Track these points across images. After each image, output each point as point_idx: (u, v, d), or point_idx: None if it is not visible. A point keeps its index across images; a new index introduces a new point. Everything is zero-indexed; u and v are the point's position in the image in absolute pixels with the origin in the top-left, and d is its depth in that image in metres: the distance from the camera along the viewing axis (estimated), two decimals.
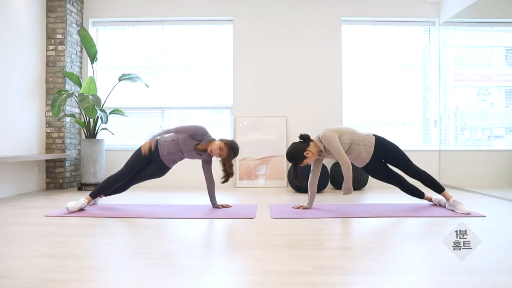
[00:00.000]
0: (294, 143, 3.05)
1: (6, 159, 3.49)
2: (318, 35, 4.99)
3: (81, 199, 3.02)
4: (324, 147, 2.96)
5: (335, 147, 2.89)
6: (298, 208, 3.13)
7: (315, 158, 3.03)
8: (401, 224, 2.61)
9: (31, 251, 1.93)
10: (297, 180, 3.05)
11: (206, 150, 3.03)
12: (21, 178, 4.14)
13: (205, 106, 5.22)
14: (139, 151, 3.11)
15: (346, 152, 2.96)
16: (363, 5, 5.00)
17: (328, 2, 5.00)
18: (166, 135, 3.10)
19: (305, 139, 3.02)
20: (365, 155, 3.01)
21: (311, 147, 2.98)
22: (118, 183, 3.12)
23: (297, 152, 2.98)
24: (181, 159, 3.14)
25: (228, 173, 2.99)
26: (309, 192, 3.12)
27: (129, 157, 3.15)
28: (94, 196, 3.08)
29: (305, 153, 2.95)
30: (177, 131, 3.04)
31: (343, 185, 2.92)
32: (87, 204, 3.04)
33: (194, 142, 3.02)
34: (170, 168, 3.19)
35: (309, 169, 3.17)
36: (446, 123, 5.02)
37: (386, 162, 3.11)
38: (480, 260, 1.72)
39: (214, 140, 3.02)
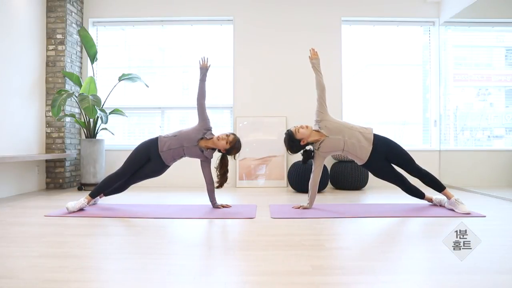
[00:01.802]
0: None
1: (6, 159, 3.49)
2: (318, 35, 4.99)
3: (81, 199, 3.02)
4: (320, 127, 3.01)
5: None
6: (298, 208, 3.13)
7: (308, 134, 3.00)
8: (401, 224, 2.61)
9: (31, 251, 1.93)
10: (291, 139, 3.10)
11: (208, 149, 3.06)
12: (21, 178, 4.14)
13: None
14: (137, 149, 3.12)
15: (345, 140, 2.98)
16: (363, 5, 5.00)
17: (328, 2, 5.00)
18: (169, 134, 3.11)
19: None
20: (366, 143, 2.99)
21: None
22: (117, 182, 3.12)
23: (287, 131, 3.12)
24: (181, 157, 3.13)
25: (223, 179, 3.09)
26: (309, 192, 3.12)
27: (128, 157, 3.15)
28: (93, 195, 3.08)
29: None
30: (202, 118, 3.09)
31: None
32: (87, 204, 3.04)
33: (198, 136, 3.04)
34: (169, 166, 3.18)
35: (302, 168, 3.19)
36: (446, 123, 5.02)
37: (389, 160, 3.10)
38: (480, 260, 1.72)
39: (212, 138, 3.07)
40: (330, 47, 5.00)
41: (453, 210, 2.92)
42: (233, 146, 3.04)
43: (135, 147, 3.18)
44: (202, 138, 3.06)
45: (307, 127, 3.03)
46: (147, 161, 3.11)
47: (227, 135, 3.04)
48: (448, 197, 3.00)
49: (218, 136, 3.05)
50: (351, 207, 3.30)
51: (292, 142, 3.06)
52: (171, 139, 3.06)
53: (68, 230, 2.40)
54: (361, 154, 3.02)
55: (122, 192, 3.30)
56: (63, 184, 4.53)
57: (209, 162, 3.15)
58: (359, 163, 3.12)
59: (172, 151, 3.05)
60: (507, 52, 5.01)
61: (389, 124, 5.31)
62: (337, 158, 4.65)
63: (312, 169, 3.12)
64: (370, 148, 3.00)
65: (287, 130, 3.12)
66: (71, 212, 2.89)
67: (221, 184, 3.09)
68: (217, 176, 3.09)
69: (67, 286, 1.45)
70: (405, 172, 3.13)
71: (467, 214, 2.80)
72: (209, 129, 3.12)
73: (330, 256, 1.83)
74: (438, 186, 3.05)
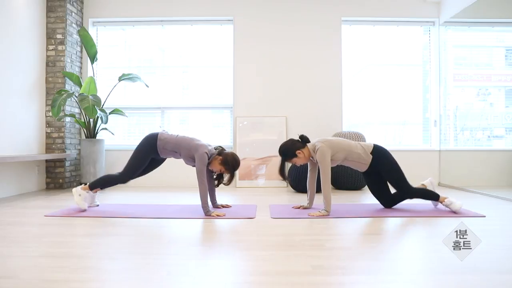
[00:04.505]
0: (291, 139, 3.07)
1: (6, 159, 3.49)
2: (318, 35, 4.99)
3: (82, 194, 3.00)
4: (317, 148, 2.97)
5: (323, 165, 2.88)
6: (298, 208, 3.13)
7: (303, 162, 3.03)
8: (401, 224, 2.61)
9: (31, 251, 1.92)
10: (281, 175, 3.01)
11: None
12: (21, 178, 4.14)
13: (205, 106, 5.22)
14: (139, 152, 3.05)
15: (339, 163, 3.03)
16: (363, 5, 5.00)
17: (328, 2, 5.00)
18: (168, 143, 3.00)
19: (303, 141, 3.03)
20: (359, 168, 3.07)
21: (305, 149, 2.98)
22: (118, 183, 3.12)
23: (290, 148, 2.98)
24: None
25: (220, 181, 3.07)
26: (308, 192, 3.13)
27: (130, 157, 3.08)
28: (92, 187, 3.07)
29: (297, 151, 2.96)
30: (200, 173, 2.88)
31: (325, 208, 2.85)
32: (88, 192, 3.05)
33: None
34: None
35: (302, 168, 3.18)
36: (446, 123, 5.02)
37: (380, 174, 3.08)
38: (480, 260, 1.72)
39: (215, 157, 2.95)
40: (330, 47, 5.00)
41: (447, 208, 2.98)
42: (230, 176, 2.96)
43: (135, 147, 3.10)
44: None
45: (301, 165, 3.07)
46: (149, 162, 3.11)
47: (220, 170, 2.95)
48: (441, 201, 2.99)
49: (212, 167, 2.97)
50: (351, 207, 3.30)
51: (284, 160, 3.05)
52: (172, 153, 3.02)
53: (68, 230, 2.41)
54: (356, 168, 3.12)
55: (122, 192, 3.30)
56: (63, 184, 4.53)
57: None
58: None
59: (172, 157, 3.10)
60: (507, 52, 5.00)
61: (389, 124, 5.31)
62: None
63: (308, 168, 3.14)
64: (363, 171, 3.07)
65: (289, 151, 2.97)
66: (83, 210, 2.93)
67: (218, 183, 3.09)
68: (215, 178, 3.10)
69: (67, 286, 1.45)
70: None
71: (459, 211, 2.85)
72: (209, 157, 2.94)
73: (330, 256, 1.83)
74: (432, 197, 3.03)
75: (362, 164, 3.01)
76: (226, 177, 3.00)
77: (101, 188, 3.18)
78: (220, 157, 2.93)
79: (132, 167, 3.05)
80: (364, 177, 3.22)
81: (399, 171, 3.02)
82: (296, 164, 3.06)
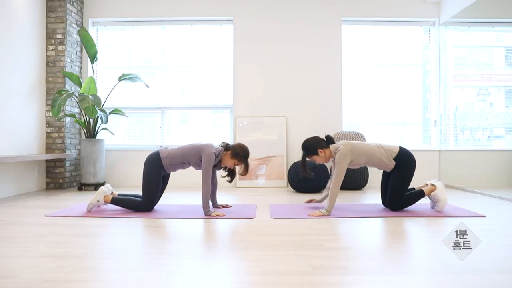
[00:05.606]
0: (317, 137, 3.08)
1: (6, 159, 3.49)
2: (318, 35, 4.99)
3: (100, 201, 2.97)
4: (339, 149, 2.98)
5: (339, 167, 2.89)
6: (310, 201, 3.25)
7: (323, 162, 3.06)
8: (401, 224, 2.61)
9: (31, 251, 1.92)
10: (304, 171, 3.04)
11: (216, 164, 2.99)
12: (21, 178, 4.14)
13: (205, 106, 5.22)
14: (150, 176, 2.96)
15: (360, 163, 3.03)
16: (363, 5, 5.00)
17: (328, 2, 5.00)
18: (174, 157, 2.94)
19: (328, 141, 3.04)
20: (382, 169, 3.08)
21: (327, 150, 3.00)
22: (140, 211, 2.99)
23: (313, 145, 3.00)
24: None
25: (233, 176, 3.02)
26: (324, 193, 3.25)
27: (143, 185, 2.99)
28: (113, 203, 3.00)
29: (319, 150, 2.98)
30: (205, 173, 2.84)
31: (326, 208, 2.84)
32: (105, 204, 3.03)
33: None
34: None
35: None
36: (446, 123, 5.02)
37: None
38: (480, 260, 1.72)
39: (224, 153, 2.94)
40: (330, 47, 5.00)
41: (434, 203, 3.04)
42: (245, 168, 2.92)
43: (143, 175, 2.99)
44: None
45: (319, 162, 3.08)
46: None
47: (234, 164, 2.92)
48: (432, 190, 3.01)
49: (225, 165, 2.95)
50: (351, 207, 3.30)
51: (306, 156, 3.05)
52: (180, 166, 2.98)
53: (68, 230, 2.40)
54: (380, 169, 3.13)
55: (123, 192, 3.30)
56: (63, 184, 4.53)
57: (217, 168, 3.11)
58: None
59: (179, 170, 3.06)
60: (507, 52, 5.00)
61: (389, 124, 5.31)
62: None
63: (330, 172, 3.18)
64: (389, 171, 3.06)
65: (312, 148, 2.99)
66: (86, 211, 2.93)
67: (231, 179, 3.03)
68: (227, 175, 3.04)
69: (67, 286, 1.45)
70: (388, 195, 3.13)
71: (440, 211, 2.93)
72: (217, 155, 2.92)
73: (330, 256, 1.83)
74: (419, 196, 3.04)
75: (385, 167, 3.02)
76: (241, 168, 2.94)
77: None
78: (229, 152, 2.91)
79: (151, 194, 2.97)
80: (383, 172, 3.21)
81: (406, 183, 3.02)
82: (315, 162, 3.08)
